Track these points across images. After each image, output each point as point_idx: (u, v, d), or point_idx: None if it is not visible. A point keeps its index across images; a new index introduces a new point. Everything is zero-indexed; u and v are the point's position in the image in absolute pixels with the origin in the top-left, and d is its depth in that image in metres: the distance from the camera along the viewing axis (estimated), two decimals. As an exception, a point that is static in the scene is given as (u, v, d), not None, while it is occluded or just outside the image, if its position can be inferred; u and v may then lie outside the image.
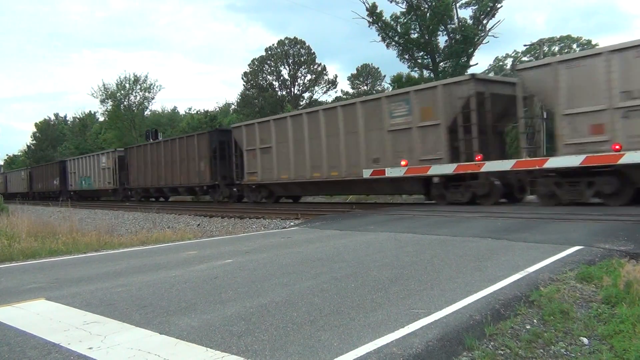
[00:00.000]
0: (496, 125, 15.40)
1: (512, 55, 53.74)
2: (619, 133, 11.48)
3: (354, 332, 3.81)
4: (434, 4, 35.32)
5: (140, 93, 57.95)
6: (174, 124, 61.89)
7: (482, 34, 36.58)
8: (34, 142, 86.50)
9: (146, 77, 59.01)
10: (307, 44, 57.71)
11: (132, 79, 56.96)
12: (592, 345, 3.85)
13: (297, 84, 58.91)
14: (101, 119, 68.00)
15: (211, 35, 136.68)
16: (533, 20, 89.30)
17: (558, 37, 52.06)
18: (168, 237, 11.94)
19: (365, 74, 65.03)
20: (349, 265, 6.61)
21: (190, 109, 73.13)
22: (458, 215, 12.11)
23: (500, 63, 51.96)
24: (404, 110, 15.88)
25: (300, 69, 58.41)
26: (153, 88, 58.06)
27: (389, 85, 43.83)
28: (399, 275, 5.79)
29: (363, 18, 37.26)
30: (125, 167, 33.28)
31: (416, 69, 39.19)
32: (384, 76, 62.80)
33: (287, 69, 58.14)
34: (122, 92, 57.07)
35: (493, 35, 37.06)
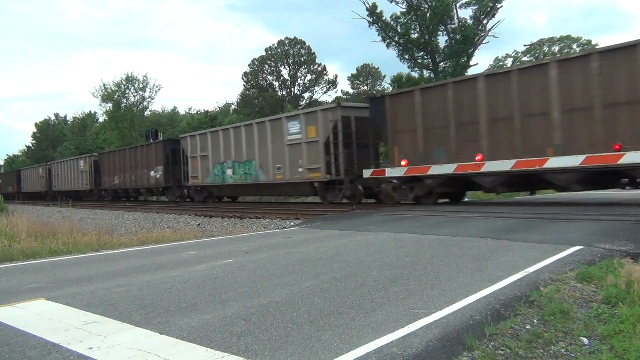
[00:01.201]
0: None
1: (512, 55, 53.77)
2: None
3: (354, 332, 3.81)
4: (434, 4, 35.32)
5: (138, 93, 57.93)
6: (174, 124, 61.88)
7: (482, 34, 36.59)
8: (34, 142, 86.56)
9: (145, 76, 58.97)
10: (307, 44, 57.85)
11: (127, 79, 56.89)
12: (592, 345, 3.85)
13: (297, 84, 58.99)
14: (101, 119, 68.06)
15: (211, 35, 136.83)
16: (533, 20, 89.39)
17: (558, 37, 52.11)
18: (168, 237, 11.94)
19: (365, 74, 65.10)
20: (349, 265, 6.61)
21: (190, 109, 73.30)
22: (458, 216, 12.11)
23: (500, 63, 51.96)
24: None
25: (300, 69, 58.47)
26: (151, 87, 58.00)
27: (390, 85, 43.85)
28: (399, 275, 5.79)
29: (363, 18, 37.29)
30: (367, 138, 17.69)
31: (416, 69, 39.20)
32: (384, 76, 62.94)
33: (287, 69, 58.23)
34: (119, 92, 56.99)
35: (493, 35, 37.11)
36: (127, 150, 33.22)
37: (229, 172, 23.24)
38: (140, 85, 57.25)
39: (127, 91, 57.12)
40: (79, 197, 39.44)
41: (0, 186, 58.41)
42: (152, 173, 29.13)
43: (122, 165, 32.79)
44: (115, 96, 56.69)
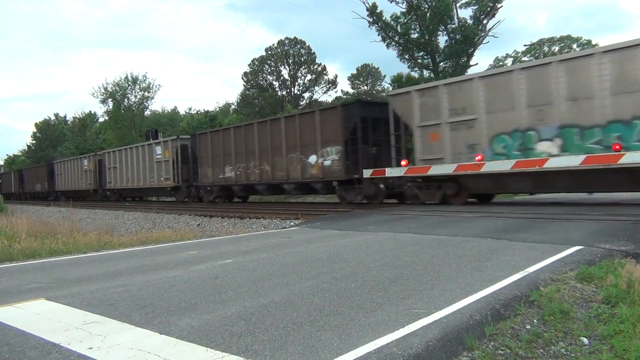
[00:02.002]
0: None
1: (512, 55, 53.76)
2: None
3: (354, 332, 3.81)
4: (434, 4, 35.31)
5: (140, 93, 58.02)
6: (174, 124, 61.89)
7: (482, 34, 36.57)
8: (34, 142, 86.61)
9: (144, 76, 59.02)
10: (307, 44, 57.76)
11: (130, 79, 56.95)
12: (592, 345, 3.84)
13: (297, 84, 58.91)
14: (102, 119, 68.13)
15: (211, 35, 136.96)
16: (534, 20, 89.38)
17: (558, 37, 52.12)
18: (168, 237, 11.93)
19: (365, 74, 65.06)
20: (349, 265, 6.60)
21: (190, 109, 73.33)
22: (458, 216, 12.10)
23: (501, 63, 51.94)
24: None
25: (300, 69, 58.41)
26: (152, 87, 58.11)
27: (389, 85, 43.88)
28: (399, 275, 5.79)
29: (363, 18, 37.27)
30: None
31: (416, 69, 39.19)
32: (384, 76, 62.94)
33: (287, 69, 58.18)
34: (121, 92, 57.04)
35: (493, 35, 37.05)
36: (254, 126, 21.49)
37: (547, 147, 12.85)
38: (143, 85, 57.37)
39: (129, 91, 57.14)
40: (150, 197, 31.22)
41: (24, 184, 50.33)
42: (312, 159, 18.67)
43: (241, 150, 21.93)
44: (117, 96, 56.66)
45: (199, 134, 25.98)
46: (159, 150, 27.70)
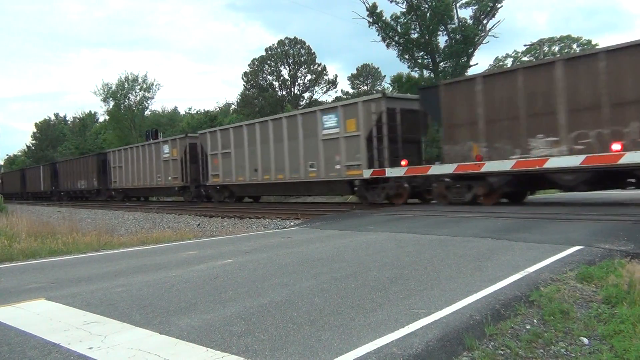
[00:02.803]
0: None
1: (512, 55, 53.74)
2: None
3: (354, 332, 3.81)
4: (434, 4, 35.35)
5: (140, 93, 58.08)
6: (174, 124, 61.90)
7: (482, 34, 36.62)
8: (34, 142, 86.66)
9: (145, 76, 59.05)
10: (307, 44, 57.84)
11: (131, 79, 57.03)
12: (592, 345, 3.84)
13: (297, 84, 58.95)
14: (102, 118, 68.20)
15: (211, 35, 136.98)
16: (534, 19, 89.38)
17: (558, 37, 52.10)
18: (168, 237, 11.93)
19: (366, 74, 65.12)
20: (349, 265, 6.60)
21: (190, 109, 73.36)
22: (458, 216, 12.10)
23: (501, 63, 51.94)
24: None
25: (300, 69, 58.44)
26: (153, 87, 58.20)
27: (389, 85, 43.88)
28: (399, 275, 5.79)
29: (363, 18, 37.33)
30: None
31: (416, 69, 39.22)
32: (384, 76, 63.00)
33: (287, 69, 58.21)
34: (122, 91, 57.10)
35: (493, 35, 37.18)
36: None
37: None
38: (145, 86, 57.40)
39: (130, 90, 57.16)
40: (295, 194, 21.01)
41: (59, 181, 41.00)
42: None
43: (593, 101, 11.38)
44: (119, 95, 56.65)
45: (446, 83, 15.32)
46: (331, 120, 16.88)
